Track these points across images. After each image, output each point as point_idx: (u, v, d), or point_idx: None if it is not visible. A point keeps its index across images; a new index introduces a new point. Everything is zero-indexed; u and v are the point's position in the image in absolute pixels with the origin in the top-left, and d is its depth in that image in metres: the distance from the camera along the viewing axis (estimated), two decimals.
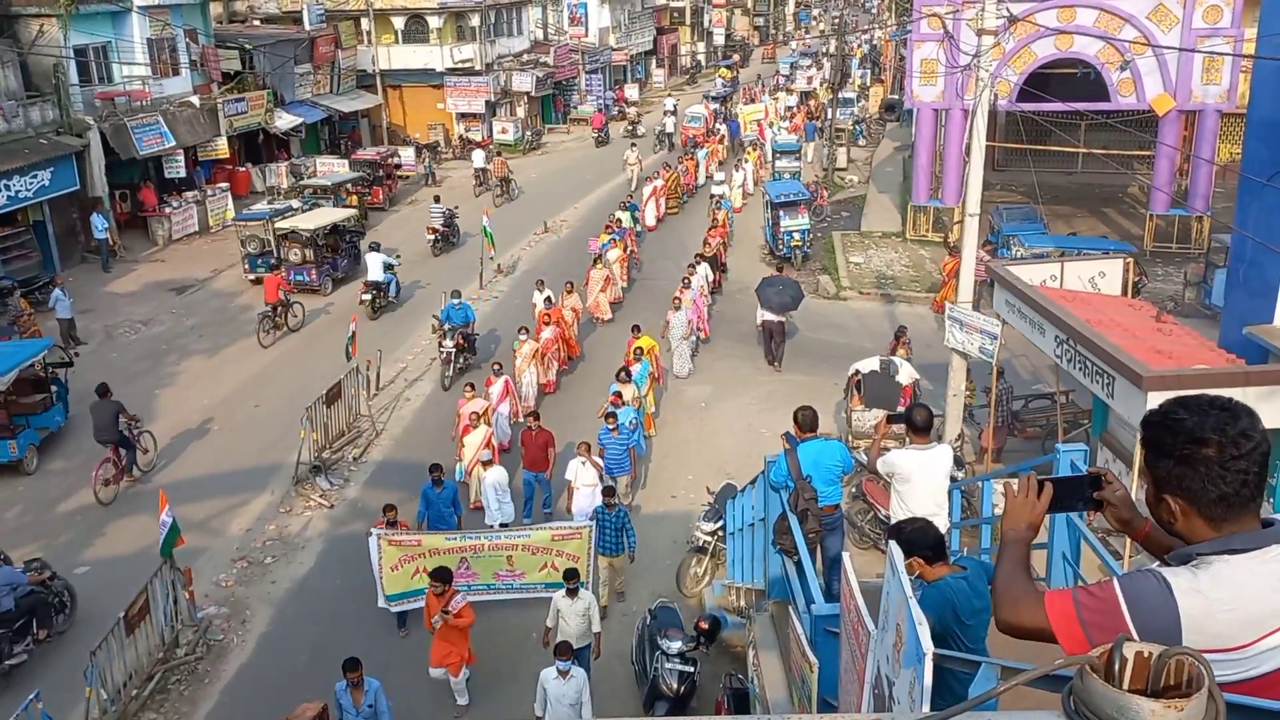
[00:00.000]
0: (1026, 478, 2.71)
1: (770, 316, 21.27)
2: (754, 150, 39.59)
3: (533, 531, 12.62)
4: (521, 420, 17.01)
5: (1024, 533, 2.66)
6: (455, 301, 20.52)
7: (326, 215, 26.59)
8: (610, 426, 15.21)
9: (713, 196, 32.27)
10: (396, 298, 24.97)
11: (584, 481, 14.20)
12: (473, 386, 16.84)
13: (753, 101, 49.20)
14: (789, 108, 48.54)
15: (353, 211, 28.73)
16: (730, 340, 22.76)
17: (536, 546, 12.32)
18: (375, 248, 25.13)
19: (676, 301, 20.77)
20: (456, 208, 30.69)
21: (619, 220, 27.98)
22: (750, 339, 22.79)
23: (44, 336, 20.33)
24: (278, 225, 25.42)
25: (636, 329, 19.72)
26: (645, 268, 27.96)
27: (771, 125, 42.82)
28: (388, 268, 24.65)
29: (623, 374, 17.44)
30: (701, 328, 22.11)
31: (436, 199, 31.35)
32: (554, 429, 15.86)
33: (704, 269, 23.80)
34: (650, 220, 31.65)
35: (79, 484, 16.49)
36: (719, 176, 34.88)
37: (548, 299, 21.12)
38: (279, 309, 22.76)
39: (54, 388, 17.86)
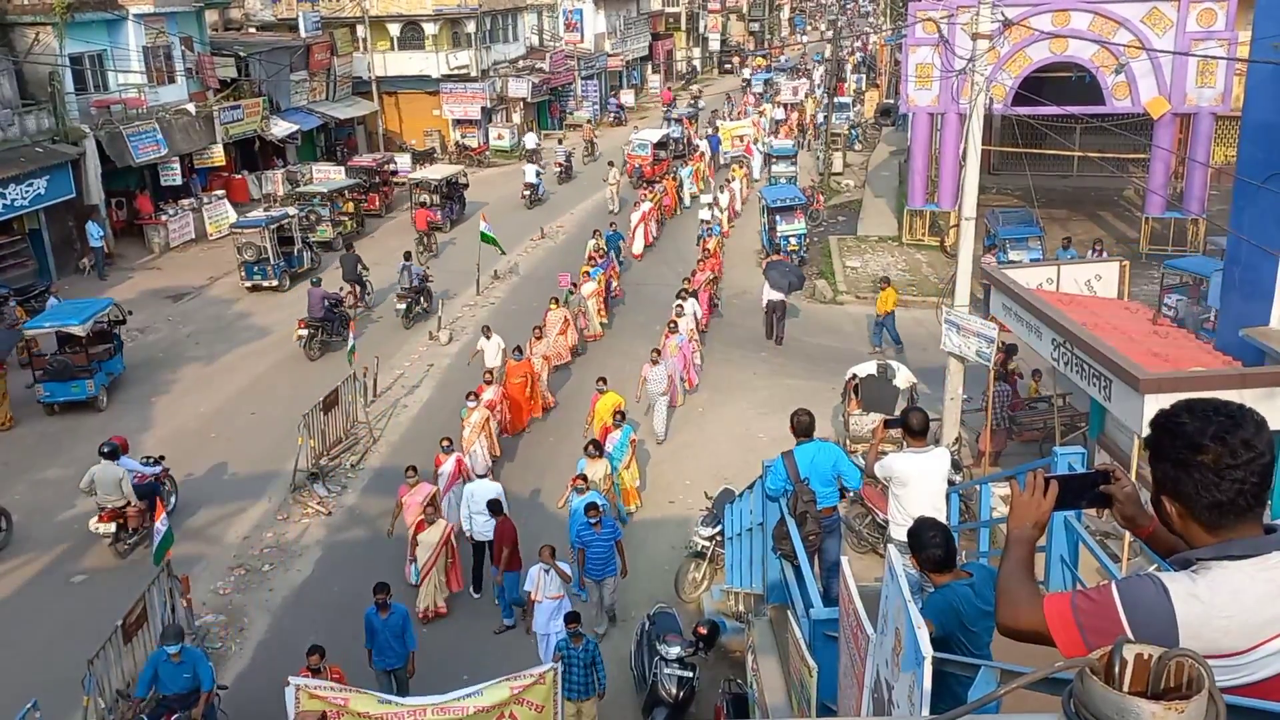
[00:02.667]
0: (1034, 474, 2.70)
1: (775, 296, 22.87)
2: (740, 168, 37.41)
3: (485, 689, 10.03)
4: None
5: (1030, 531, 2.65)
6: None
7: (446, 170, 34.52)
8: (592, 520, 12.36)
9: (703, 222, 29.44)
10: (542, 196, 36.06)
11: (548, 594, 11.75)
12: (414, 470, 13.97)
13: (739, 117, 46.52)
14: (776, 121, 46.69)
15: (462, 167, 36.48)
16: (727, 345, 22.77)
17: (492, 706, 9.90)
18: (532, 159, 38.59)
19: (655, 355, 18.45)
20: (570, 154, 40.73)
21: (602, 251, 25.67)
22: (748, 344, 22.82)
23: (40, 346, 20.52)
24: (410, 176, 33.74)
25: (602, 383, 17.06)
26: (641, 273, 27.96)
27: (757, 142, 41.15)
28: (538, 174, 36.30)
29: (591, 447, 14.61)
30: (688, 376, 19.84)
31: (560, 140, 42.27)
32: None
33: (692, 306, 21.44)
34: (638, 248, 29.43)
35: (76, 492, 16.46)
36: (706, 198, 31.78)
37: (516, 350, 18.61)
38: (427, 237, 29.64)
39: (114, 341, 20.54)
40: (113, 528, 14.55)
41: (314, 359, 21.75)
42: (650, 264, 28.92)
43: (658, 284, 26.60)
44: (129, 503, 14.59)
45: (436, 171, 33.87)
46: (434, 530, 13.05)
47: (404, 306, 23.76)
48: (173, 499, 15.64)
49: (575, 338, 21.43)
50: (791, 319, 24.30)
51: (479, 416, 16.30)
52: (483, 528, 13.47)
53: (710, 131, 44.01)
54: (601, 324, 23.24)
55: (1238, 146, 18.46)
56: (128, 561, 14.19)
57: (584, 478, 13.75)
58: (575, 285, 23.08)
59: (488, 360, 19.20)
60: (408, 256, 24.75)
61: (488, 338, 19.74)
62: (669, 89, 53.34)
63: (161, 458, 15.86)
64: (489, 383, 17.37)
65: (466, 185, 34.62)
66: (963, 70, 17.51)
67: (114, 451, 14.69)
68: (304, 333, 21.74)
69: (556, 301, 21.48)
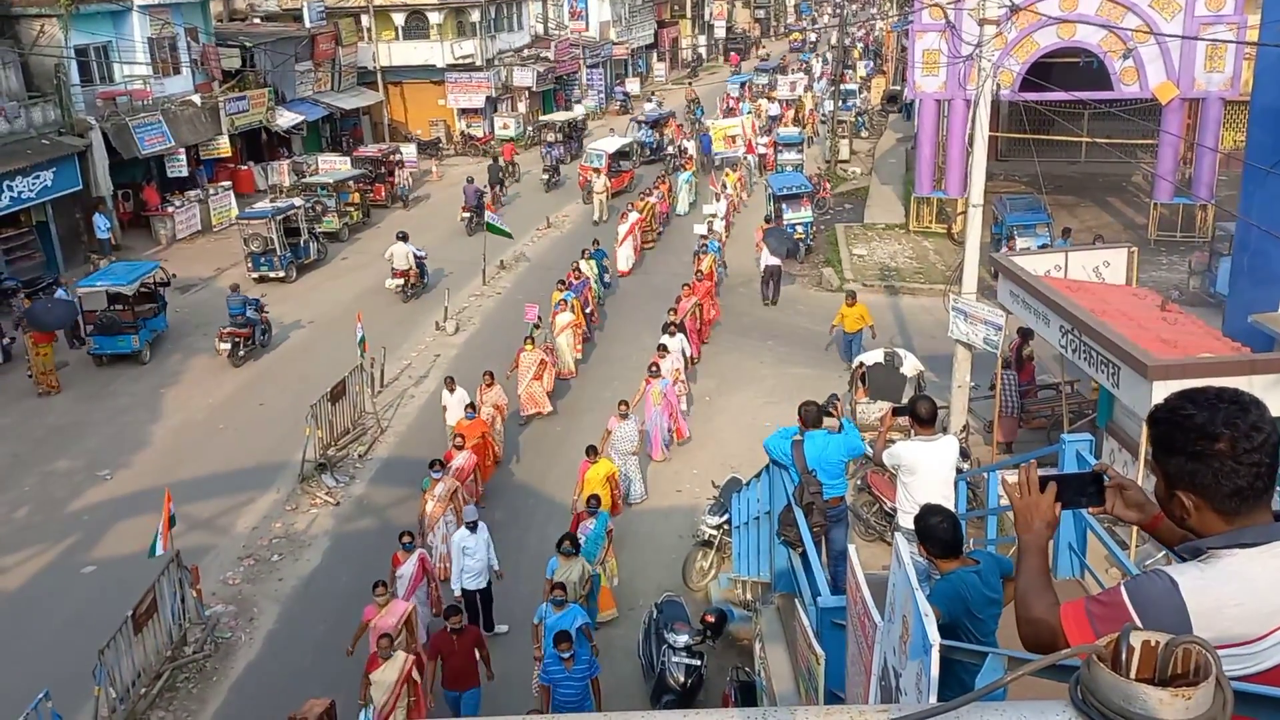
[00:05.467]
0: (1025, 469, 2.67)
1: (772, 261, 24.23)
2: (732, 172, 33.96)
3: None
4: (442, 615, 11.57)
5: (1042, 533, 2.60)
6: None
7: (567, 115, 43.86)
8: (563, 655, 10.02)
9: (701, 238, 26.13)
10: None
11: None
12: (385, 586, 11.25)
13: (730, 114, 42.60)
14: (772, 118, 43.95)
15: (582, 113, 45.43)
16: (734, 334, 22.73)
17: None
18: (649, 100, 49.02)
19: (623, 407, 15.82)
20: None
21: (578, 271, 22.75)
22: (754, 333, 22.80)
23: (43, 340, 20.78)
24: (540, 119, 43.92)
25: (592, 453, 14.29)
26: (629, 294, 27.84)
27: (768, 133, 39.00)
28: (658, 118, 43.36)
29: (567, 543, 11.88)
30: (676, 426, 17.42)
31: (651, 95, 48.77)
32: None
33: (678, 343, 18.55)
34: (624, 264, 26.59)
35: (85, 484, 16.58)
36: (707, 209, 28.90)
37: (469, 408, 15.90)
38: (511, 165, 37.21)
39: (158, 300, 22.51)
40: (400, 282, 24.61)
41: (470, 235, 28.67)
42: (658, 256, 28.77)
43: (661, 273, 26.51)
44: (410, 268, 24.65)
45: (559, 116, 43.23)
46: (390, 667, 10.18)
47: (547, 176, 35.45)
48: (426, 278, 25.33)
49: (552, 381, 18.48)
50: (799, 308, 24.31)
51: (444, 489, 13.58)
52: (474, 579, 12.40)
53: (699, 130, 40.81)
54: (575, 358, 20.21)
55: (1246, 131, 18.36)
56: (137, 552, 14.20)
57: (562, 587, 11.08)
58: (541, 318, 20.15)
59: (451, 418, 16.64)
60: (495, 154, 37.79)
61: (451, 391, 16.90)
62: (736, 53, 52.57)
63: (422, 248, 25.50)
64: (460, 447, 14.80)
65: (583, 129, 42.82)
66: (970, 56, 17.42)
67: (405, 236, 25.20)
68: (466, 215, 29.78)
69: (531, 342, 18.25)
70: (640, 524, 15.30)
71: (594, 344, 21.90)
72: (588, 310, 21.92)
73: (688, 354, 19.28)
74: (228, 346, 21.03)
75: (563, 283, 21.50)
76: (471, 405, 16.11)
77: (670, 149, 38.98)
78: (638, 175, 36.79)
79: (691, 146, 38.85)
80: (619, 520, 14.32)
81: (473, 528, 12.52)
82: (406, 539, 12.41)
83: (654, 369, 17.20)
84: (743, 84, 51.57)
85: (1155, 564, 2.75)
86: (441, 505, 13.57)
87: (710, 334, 22.14)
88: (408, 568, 12.23)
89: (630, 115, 45.89)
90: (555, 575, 11.61)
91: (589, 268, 23.51)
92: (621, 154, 35.86)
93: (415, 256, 24.79)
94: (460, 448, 14.83)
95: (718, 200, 29.81)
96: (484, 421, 16.06)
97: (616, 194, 33.20)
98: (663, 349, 18.01)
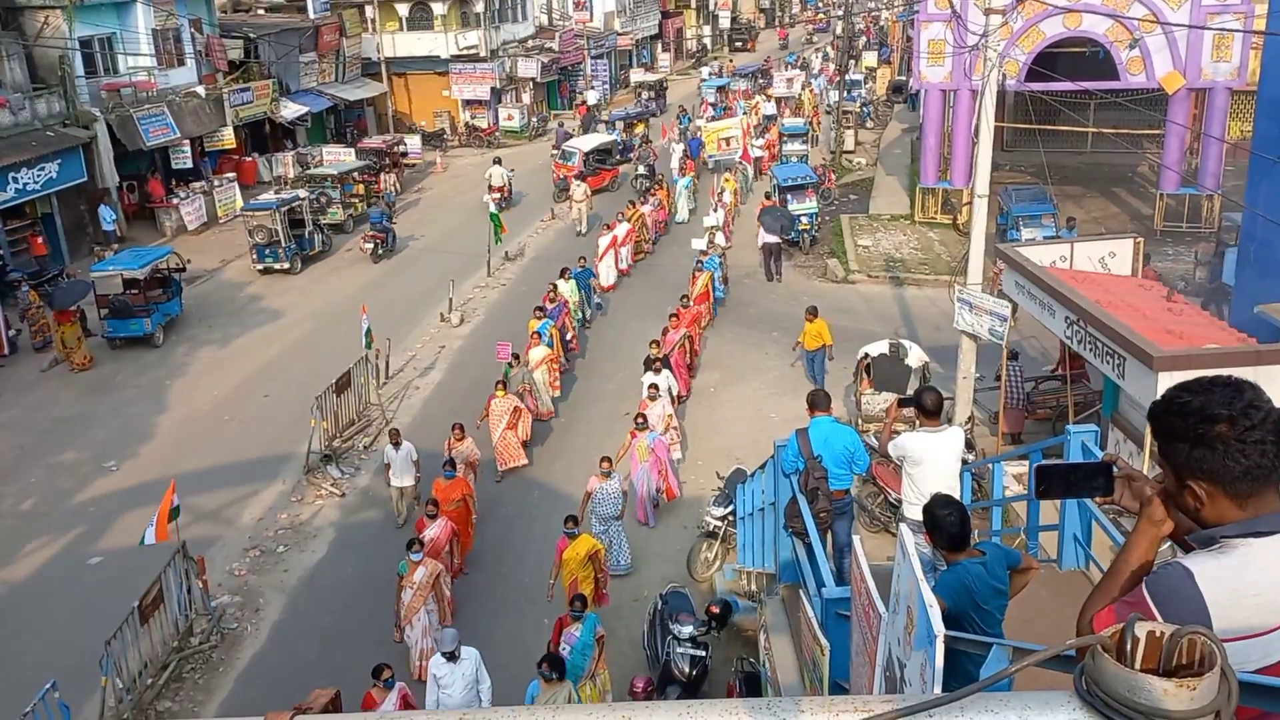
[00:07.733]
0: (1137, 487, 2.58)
1: (770, 239, 24.89)
2: (730, 177, 31.52)
3: None
4: None
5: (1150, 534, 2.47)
6: None
7: (654, 76, 52.61)
8: None
9: (700, 253, 23.81)
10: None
11: None
12: None
13: (726, 114, 39.84)
14: (768, 118, 41.66)
15: (666, 74, 55.24)
16: (738, 326, 22.72)
17: None
18: (710, 71, 55.39)
19: (606, 464, 13.79)
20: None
21: (555, 293, 20.37)
22: (758, 324, 22.78)
23: (50, 332, 20.84)
24: (636, 79, 51.69)
25: (571, 523, 12.39)
26: (654, 257, 27.84)
27: (764, 133, 37.62)
28: (709, 74, 53.64)
29: (546, 665, 9.68)
30: (666, 485, 15.16)
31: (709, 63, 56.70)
32: None
33: (666, 381, 16.59)
34: (607, 279, 24.34)
35: (92, 475, 16.63)
36: (708, 220, 26.52)
37: (449, 465, 13.79)
38: (588, 120, 42.80)
39: (172, 286, 23.05)
40: (496, 196, 29.34)
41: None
42: (666, 248, 28.71)
43: (670, 266, 26.47)
44: (505, 185, 30.73)
45: (650, 77, 51.48)
46: None
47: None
48: (512, 194, 30.91)
49: (528, 430, 16.40)
50: (804, 300, 24.27)
51: (424, 574, 11.77)
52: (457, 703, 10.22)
53: (690, 133, 38.02)
54: (554, 398, 18.24)
55: (1254, 121, 18.29)
56: (146, 545, 14.28)
57: None
58: (518, 356, 17.66)
59: (395, 477, 14.79)
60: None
61: (396, 446, 14.70)
62: (784, 28, 54.11)
63: (511, 169, 32.02)
64: (433, 515, 12.79)
65: (667, 88, 49.11)
66: (975, 46, 17.36)
67: (499, 160, 31.77)
68: (555, 152, 34.11)
69: (503, 386, 16.22)
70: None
71: (574, 377, 19.79)
72: (567, 337, 19.78)
73: (675, 392, 17.19)
74: (370, 247, 26.73)
75: (540, 309, 19.29)
76: (451, 463, 13.88)
77: (641, 168, 33.49)
78: (623, 174, 34.65)
79: (680, 149, 35.38)
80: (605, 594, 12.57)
81: (450, 657, 10.21)
82: (387, 674, 9.94)
83: (640, 420, 14.90)
84: (719, 88, 48.05)
85: (1161, 556, 2.72)
86: (421, 595, 11.77)
87: (697, 364, 20.13)
88: (390, 703, 9.91)
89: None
90: (536, 704, 9.37)
91: (569, 289, 21.14)
92: (602, 150, 33.97)
93: (507, 176, 30.92)
94: (433, 515, 12.79)
95: (715, 210, 27.89)
96: (465, 481, 14.00)
97: (596, 191, 31.18)
98: (654, 389, 15.92)
